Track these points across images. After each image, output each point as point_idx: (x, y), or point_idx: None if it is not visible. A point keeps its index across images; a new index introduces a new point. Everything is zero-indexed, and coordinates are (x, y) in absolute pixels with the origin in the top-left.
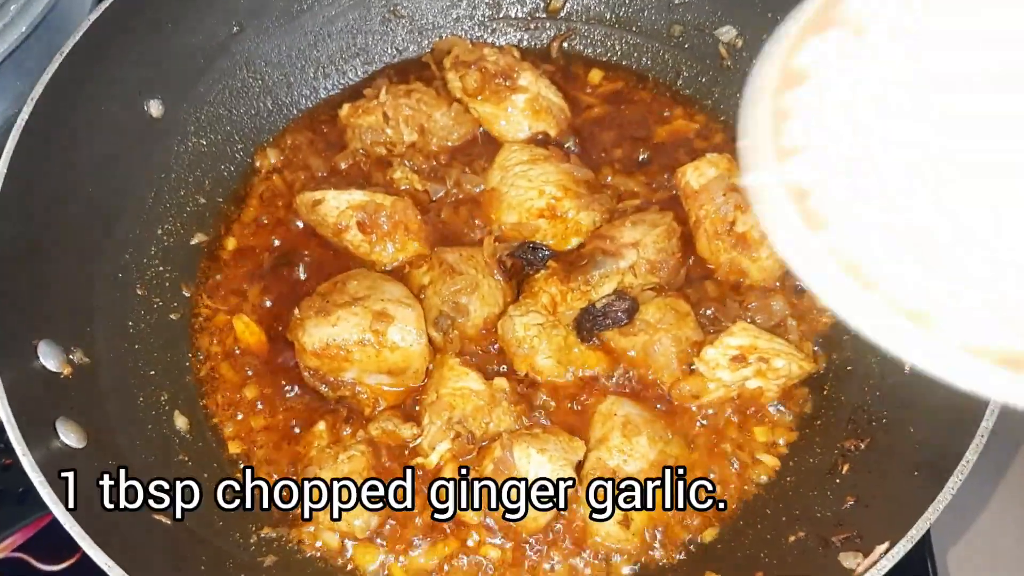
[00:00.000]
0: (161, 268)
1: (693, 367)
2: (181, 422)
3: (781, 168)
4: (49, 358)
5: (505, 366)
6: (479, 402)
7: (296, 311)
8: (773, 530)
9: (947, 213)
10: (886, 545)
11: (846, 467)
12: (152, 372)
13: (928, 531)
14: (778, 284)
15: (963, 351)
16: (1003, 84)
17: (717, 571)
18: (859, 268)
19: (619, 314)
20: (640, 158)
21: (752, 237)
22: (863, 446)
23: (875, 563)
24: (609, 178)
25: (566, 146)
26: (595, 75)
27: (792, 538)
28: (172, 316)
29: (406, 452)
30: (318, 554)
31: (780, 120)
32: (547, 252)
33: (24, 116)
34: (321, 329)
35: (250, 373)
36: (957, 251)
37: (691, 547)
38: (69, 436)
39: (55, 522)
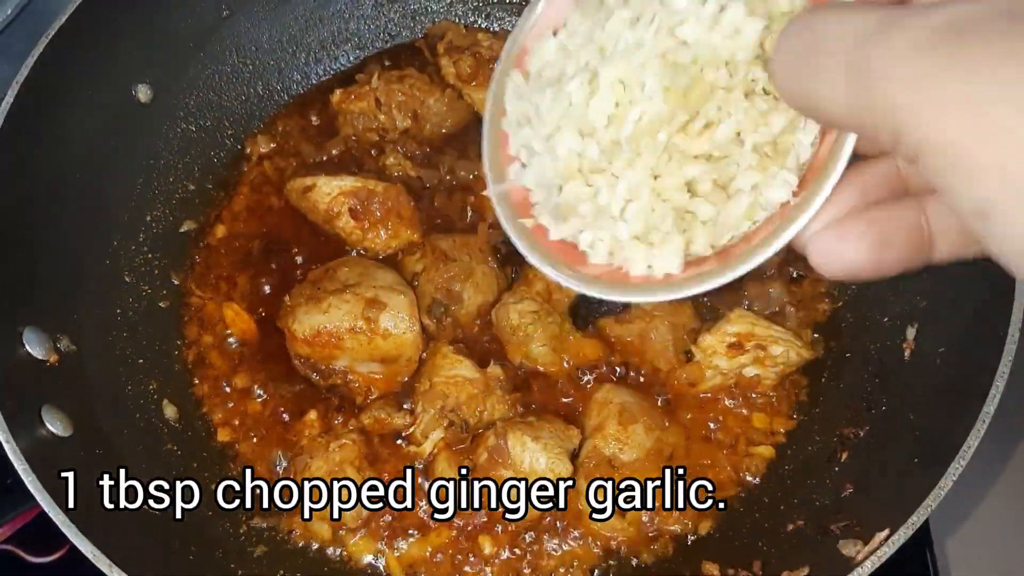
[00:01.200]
0: (150, 255)
1: (690, 355)
2: (170, 411)
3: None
4: (35, 345)
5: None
6: (473, 390)
7: (286, 299)
8: (771, 519)
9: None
10: (886, 532)
11: (845, 455)
12: (140, 360)
13: (927, 521)
14: (775, 271)
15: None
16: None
17: (714, 561)
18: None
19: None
20: None
21: None
22: (862, 433)
23: (875, 550)
24: None
25: None
26: None
27: (790, 527)
28: (161, 304)
29: (399, 441)
30: (309, 544)
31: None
32: None
33: (8, 101)
34: (312, 316)
35: (240, 362)
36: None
37: (687, 537)
38: (55, 424)
39: (44, 514)
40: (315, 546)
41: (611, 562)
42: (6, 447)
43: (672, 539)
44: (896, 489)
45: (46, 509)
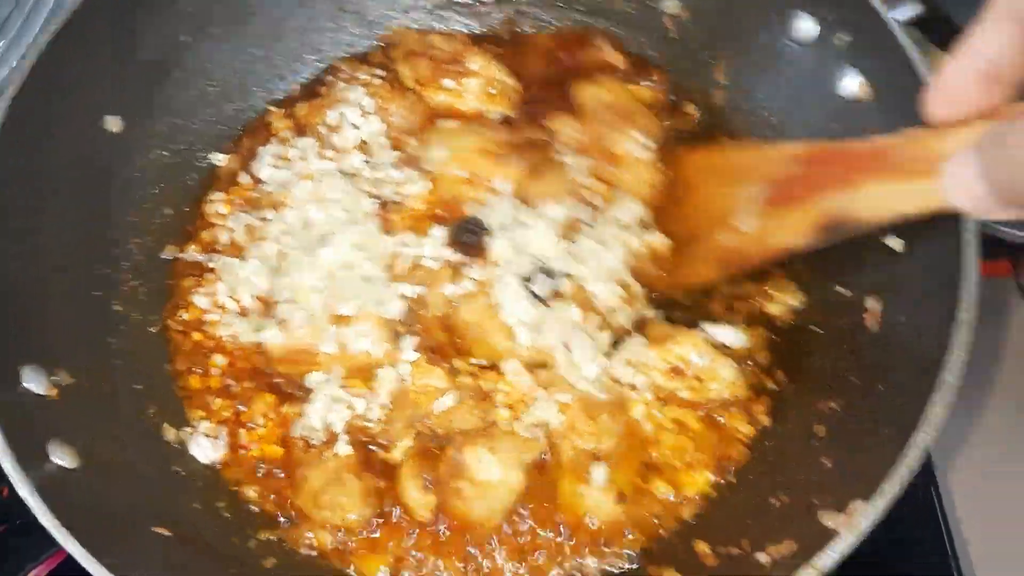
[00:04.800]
0: (135, 283)
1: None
2: (171, 434)
3: None
4: (33, 381)
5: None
6: (442, 400)
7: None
8: (756, 497)
9: None
10: (858, 502)
11: (823, 430)
12: (138, 387)
13: (929, 460)
14: None
15: None
16: None
17: (705, 540)
18: None
19: None
20: None
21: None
22: (837, 408)
23: (852, 521)
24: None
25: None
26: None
27: (776, 503)
28: (151, 329)
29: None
30: (315, 553)
31: None
32: (483, 226)
33: None
34: (283, 334)
35: (232, 382)
36: None
37: (679, 518)
38: (63, 458)
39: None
40: (321, 554)
41: (605, 549)
42: (23, 491)
43: (666, 521)
44: (869, 461)
45: (62, 543)
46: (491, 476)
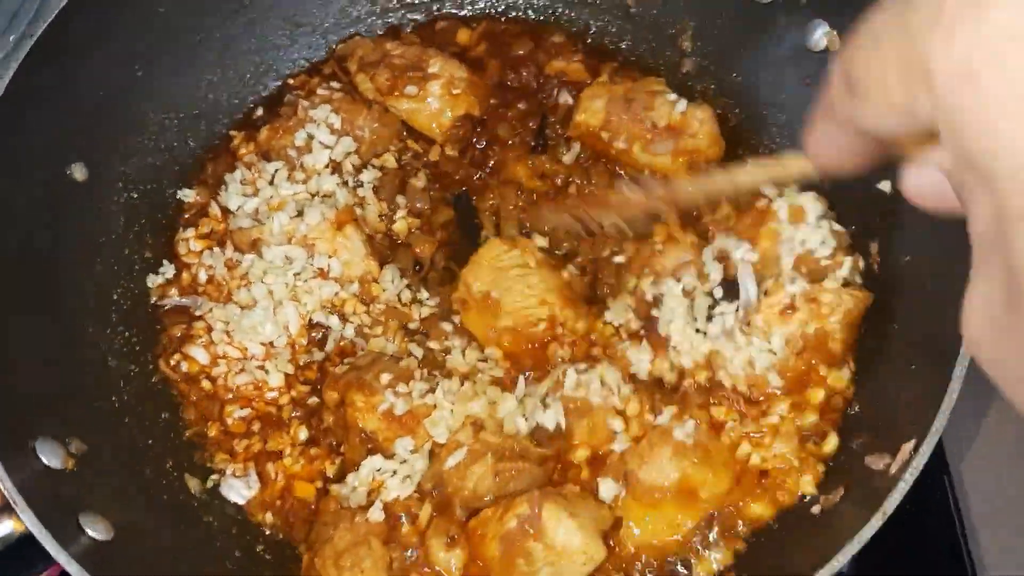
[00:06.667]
0: (126, 334)
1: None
2: (193, 484)
3: None
4: (49, 455)
5: None
6: (456, 454)
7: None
8: None
9: None
10: (913, 442)
11: None
12: (150, 441)
13: (941, 444)
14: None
15: None
16: None
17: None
18: None
19: None
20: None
21: (679, 121)
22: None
23: (908, 462)
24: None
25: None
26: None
27: None
28: (153, 379)
29: None
30: None
31: None
32: None
33: None
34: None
35: (256, 424)
36: None
37: None
38: (97, 529)
39: None
40: None
41: None
42: (67, 567)
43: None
44: (901, 399)
45: None
46: (571, 543)
